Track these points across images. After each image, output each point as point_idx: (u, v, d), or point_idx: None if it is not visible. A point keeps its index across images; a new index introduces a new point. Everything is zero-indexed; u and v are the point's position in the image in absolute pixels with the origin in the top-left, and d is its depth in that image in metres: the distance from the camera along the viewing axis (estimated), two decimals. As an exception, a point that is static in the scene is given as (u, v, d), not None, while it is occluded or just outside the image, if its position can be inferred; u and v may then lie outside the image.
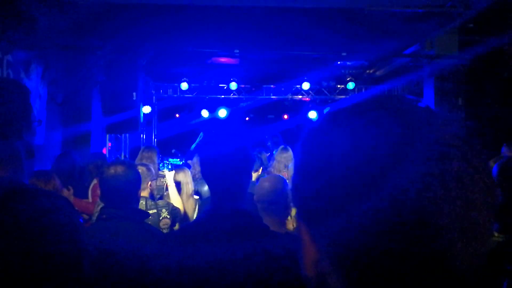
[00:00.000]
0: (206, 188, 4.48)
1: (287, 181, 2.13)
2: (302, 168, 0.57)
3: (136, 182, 2.13)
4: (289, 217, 2.16)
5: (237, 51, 6.35)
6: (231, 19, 5.62)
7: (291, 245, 1.12)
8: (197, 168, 4.62)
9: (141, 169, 2.83)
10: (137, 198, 2.19)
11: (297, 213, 0.62)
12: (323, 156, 0.55)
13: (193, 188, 4.01)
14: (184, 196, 4.02)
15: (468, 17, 4.90)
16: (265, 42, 6.57)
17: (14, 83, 1.51)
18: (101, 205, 2.29)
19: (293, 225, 2.34)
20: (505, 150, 4.28)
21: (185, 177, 4.07)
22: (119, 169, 2.07)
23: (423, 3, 4.84)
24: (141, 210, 2.27)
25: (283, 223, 2.01)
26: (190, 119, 9.62)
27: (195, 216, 4.23)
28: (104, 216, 2.04)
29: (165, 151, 7.28)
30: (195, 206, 4.23)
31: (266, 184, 2.05)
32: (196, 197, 4.45)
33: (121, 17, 5.41)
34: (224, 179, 1.38)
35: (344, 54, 6.38)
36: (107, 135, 6.87)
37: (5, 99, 1.38)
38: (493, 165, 2.89)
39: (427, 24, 5.21)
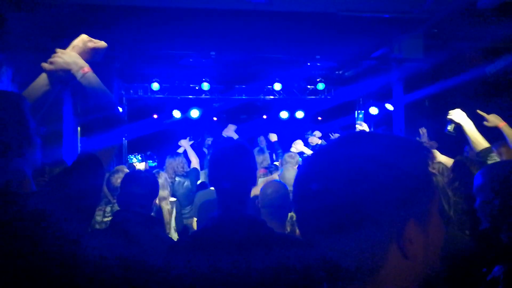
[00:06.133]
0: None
1: None
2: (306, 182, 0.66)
3: (151, 190, 2.18)
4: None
5: (213, 53, 6.40)
6: (204, 22, 5.66)
7: (300, 250, 1.23)
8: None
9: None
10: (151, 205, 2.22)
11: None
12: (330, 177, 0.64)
13: (168, 192, 4.02)
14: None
15: (432, 23, 5.18)
16: (237, 45, 6.65)
17: (3, 95, 1.29)
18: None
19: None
20: (468, 149, 4.53)
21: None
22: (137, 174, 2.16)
23: (391, 9, 5.08)
24: (153, 217, 2.30)
25: (283, 225, 2.12)
26: (162, 120, 9.56)
27: (173, 218, 4.26)
28: (116, 219, 2.06)
29: (136, 152, 7.20)
30: (172, 209, 4.25)
31: (269, 190, 2.15)
32: (173, 199, 4.47)
33: (92, 18, 5.34)
34: (230, 184, 1.44)
35: (318, 57, 6.55)
36: (79, 137, 6.76)
37: None
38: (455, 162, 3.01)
39: (394, 29, 5.46)
